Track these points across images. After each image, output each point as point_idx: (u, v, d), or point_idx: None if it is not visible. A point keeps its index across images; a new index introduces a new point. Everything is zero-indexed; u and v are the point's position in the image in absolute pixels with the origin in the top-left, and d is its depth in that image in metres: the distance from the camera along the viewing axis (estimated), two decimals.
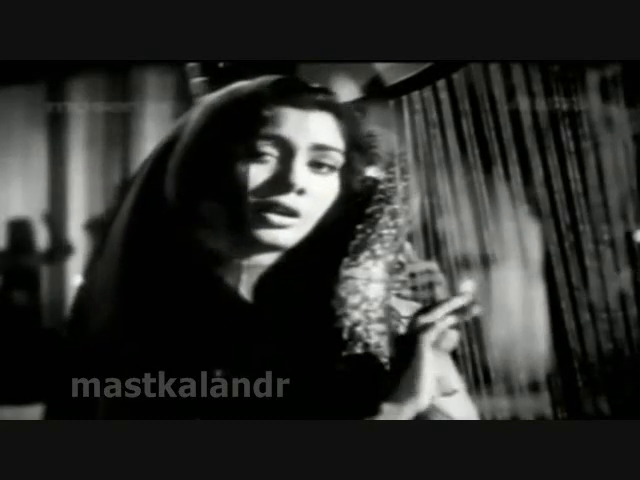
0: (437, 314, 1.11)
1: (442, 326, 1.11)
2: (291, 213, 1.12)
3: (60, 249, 5.49)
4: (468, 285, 1.15)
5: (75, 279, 4.87)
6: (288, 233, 1.13)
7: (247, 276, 1.17)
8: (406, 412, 1.10)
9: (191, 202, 1.14)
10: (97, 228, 5.42)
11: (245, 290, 1.17)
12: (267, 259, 1.17)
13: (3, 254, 5.53)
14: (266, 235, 1.12)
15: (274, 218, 1.11)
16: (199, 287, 1.14)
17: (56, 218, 5.54)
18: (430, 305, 1.15)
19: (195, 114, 1.18)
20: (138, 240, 1.16)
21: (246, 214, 1.11)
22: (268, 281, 1.17)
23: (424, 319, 1.11)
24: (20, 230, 5.58)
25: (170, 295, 1.13)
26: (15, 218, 5.57)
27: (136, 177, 1.22)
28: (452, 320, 1.11)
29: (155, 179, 1.17)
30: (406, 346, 1.12)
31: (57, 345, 1.23)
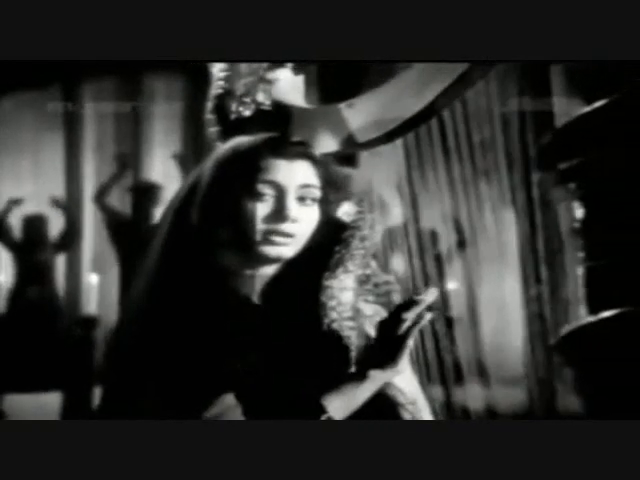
0: (417, 311, 1.37)
1: (424, 322, 1.37)
2: (288, 235, 1.45)
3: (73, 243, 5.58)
4: (432, 292, 1.47)
5: (90, 276, 5.02)
6: (287, 249, 1.46)
7: (256, 285, 1.48)
8: (389, 377, 1.40)
9: (210, 230, 1.45)
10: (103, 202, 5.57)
11: (254, 296, 1.48)
12: (269, 271, 1.48)
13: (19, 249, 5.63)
14: (272, 251, 1.45)
15: (276, 239, 1.44)
16: (219, 293, 1.44)
17: (70, 213, 5.61)
18: (408, 302, 1.38)
19: (208, 164, 1.49)
20: (171, 257, 1.46)
21: (255, 238, 1.43)
22: (271, 289, 1.48)
23: (411, 314, 1.36)
24: (34, 226, 5.65)
25: (195, 300, 1.43)
26: (29, 215, 5.65)
27: (168, 209, 1.53)
28: (429, 316, 1.37)
29: (184, 211, 1.48)
30: (395, 332, 1.37)
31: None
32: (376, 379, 1.39)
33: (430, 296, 1.37)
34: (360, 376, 1.40)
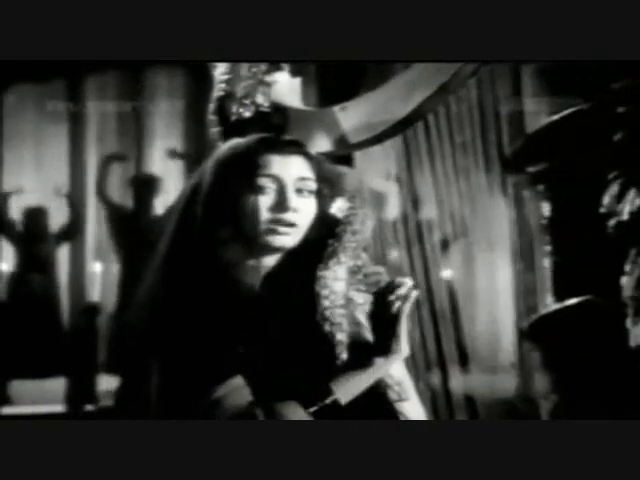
0: (403, 290, 1.48)
1: (412, 300, 1.47)
2: (290, 225, 1.52)
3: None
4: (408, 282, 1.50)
5: (93, 265, 5.08)
6: (289, 239, 1.53)
7: (258, 275, 1.55)
8: (392, 363, 1.49)
9: (214, 226, 1.53)
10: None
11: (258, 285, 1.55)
12: (271, 261, 1.55)
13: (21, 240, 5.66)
14: (275, 241, 1.53)
15: (280, 229, 1.52)
16: (223, 284, 1.51)
17: (73, 204, 5.67)
18: (394, 285, 1.49)
19: (210, 163, 1.56)
20: (178, 254, 1.54)
21: (258, 229, 1.50)
22: (270, 279, 1.56)
23: (399, 293, 1.47)
24: (39, 217, 5.69)
25: (202, 292, 1.49)
26: (33, 206, 5.69)
27: (173, 209, 1.59)
28: (414, 294, 1.48)
29: (189, 210, 1.55)
30: (387, 314, 1.47)
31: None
32: (381, 367, 1.50)
33: (409, 282, 1.48)
34: (367, 364, 1.50)
